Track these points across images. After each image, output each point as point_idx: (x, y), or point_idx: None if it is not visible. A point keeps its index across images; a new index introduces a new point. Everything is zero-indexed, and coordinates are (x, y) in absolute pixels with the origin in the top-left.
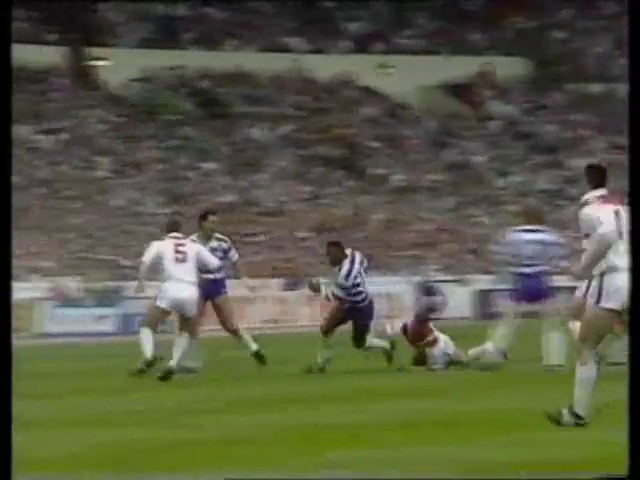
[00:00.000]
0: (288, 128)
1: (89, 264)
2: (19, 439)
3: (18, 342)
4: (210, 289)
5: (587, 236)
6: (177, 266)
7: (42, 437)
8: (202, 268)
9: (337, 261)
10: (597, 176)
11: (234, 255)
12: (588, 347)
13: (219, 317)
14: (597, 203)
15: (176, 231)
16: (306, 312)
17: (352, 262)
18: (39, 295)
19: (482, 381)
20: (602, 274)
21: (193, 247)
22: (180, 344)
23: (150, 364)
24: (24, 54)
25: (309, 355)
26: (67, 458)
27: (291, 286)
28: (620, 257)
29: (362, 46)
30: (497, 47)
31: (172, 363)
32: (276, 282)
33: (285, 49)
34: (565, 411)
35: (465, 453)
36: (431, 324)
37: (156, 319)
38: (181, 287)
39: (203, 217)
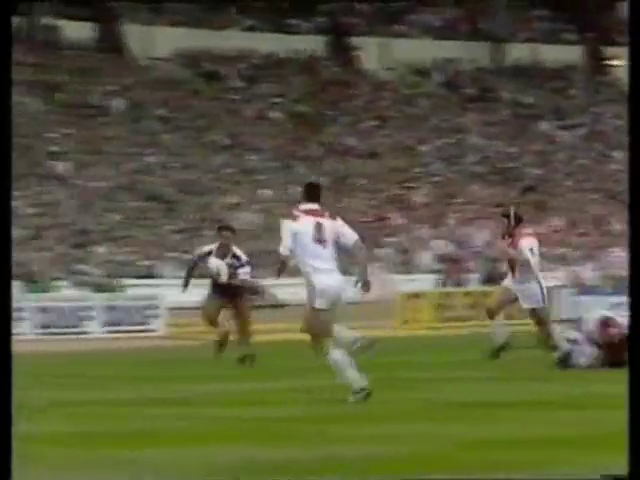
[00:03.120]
0: None
1: (600, 253)
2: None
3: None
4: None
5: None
6: None
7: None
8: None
9: None
10: (312, 192)
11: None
12: (320, 343)
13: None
14: (301, 215)
15: None
16: None
17: None
18: (558, 283)
19: None
20: (308, 279)
21: None
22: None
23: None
24: (545, 53)
25: None
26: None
27: None
28: (321, 261)
29: None
30: None
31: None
32: None
33: None
34: (351, 397)
35: None
36: None
37: None
38: None
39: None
